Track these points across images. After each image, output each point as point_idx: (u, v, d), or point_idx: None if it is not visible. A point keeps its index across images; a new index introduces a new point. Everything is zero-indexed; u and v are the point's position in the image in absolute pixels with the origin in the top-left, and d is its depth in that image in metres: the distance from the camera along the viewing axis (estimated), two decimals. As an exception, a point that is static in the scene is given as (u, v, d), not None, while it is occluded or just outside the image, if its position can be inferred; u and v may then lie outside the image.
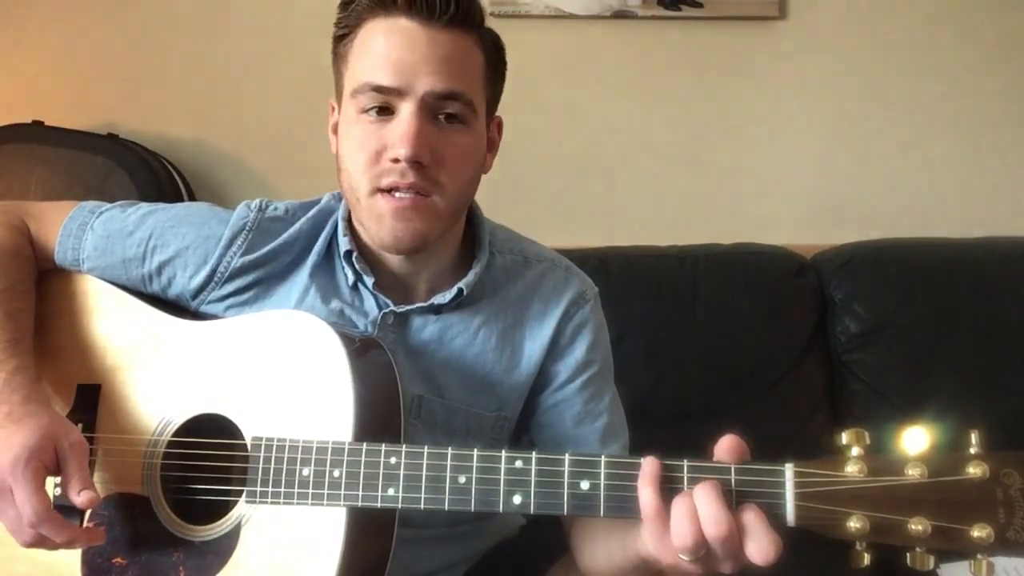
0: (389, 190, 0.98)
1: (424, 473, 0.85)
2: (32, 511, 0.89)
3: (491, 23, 1.05)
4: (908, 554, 0.72)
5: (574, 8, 2.06)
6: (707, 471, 0.77)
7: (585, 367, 1.12)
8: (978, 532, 0.70)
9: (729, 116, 2.11)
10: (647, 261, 1.79)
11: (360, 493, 0.87)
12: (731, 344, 1.73)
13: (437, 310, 1.09)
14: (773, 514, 0.74)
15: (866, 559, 0.73)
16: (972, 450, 0.72)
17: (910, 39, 2.09)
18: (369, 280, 1.06)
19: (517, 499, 0.82)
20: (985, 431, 0.72)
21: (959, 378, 1.72)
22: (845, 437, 0.75)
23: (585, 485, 0.81)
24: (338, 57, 1.05)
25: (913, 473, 0.71)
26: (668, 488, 0.77)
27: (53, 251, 1.12)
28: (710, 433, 0.80)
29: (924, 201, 2.10)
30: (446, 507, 0.85)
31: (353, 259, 1.06)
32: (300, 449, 0.90)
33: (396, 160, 0.97)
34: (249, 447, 0.94)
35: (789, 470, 0.75)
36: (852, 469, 0.73)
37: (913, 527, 0.71)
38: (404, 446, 0.87)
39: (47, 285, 1.12)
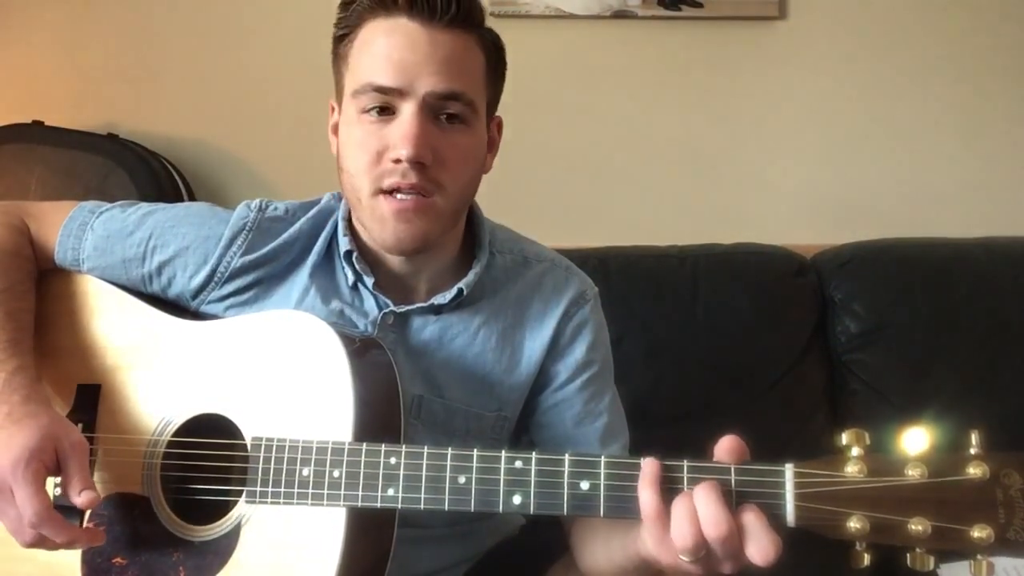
0: (391, 191, 0.98)
1: (424, 473, 0.85)
2: (33, 511, 0.89)
3: (491, 23, 1.05)
4: (908, 554, 0.72)
5: (574, 8, 2.06)
6: (707, 471, 0.77)
7: (585, 367, 1.12)
8: (978, 532, 0.70)
9: (729, 116, 2.11)
10: (647, 261, 1.79)
11: (360, 493, 0.87)
12: (731, 344, 1.73)
13: (437, 310, 1.08)
14: (773, 514, 0.74)
15: (866, 559, 0.73)
16: (972, 450, 0.72)
17: (910, 39, 2.09)
18: (369, 280, 1.06)
19: (517, 499, 0.82)
20: (985, 431, 0.72)
21: (959, 378, 1.72)
22: (845, 437, 0.75)
23: (585, 485, 0.81)
24: (338, 57, 1.05)
25: (913, 473, 0.71)
26: (668, 488, 0.77)
27: (53, 251, 1.12)
28: (710, 433, 0.80)
29: (924, 201, 2.10)
30: (446, 507, 0.85)
31: (353, 259, 1.06)
32: (300, 449, 0.90)
33: (398, 161, 0.97)
34: (249, 447, 0.94)
35: (789, 470, 0.75)
36: (852, 469, 0.73)
37: (913, 527, 0.71)
38: (404, 446, 0.87)
39: (47, 285, 1.12)
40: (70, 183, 1.86)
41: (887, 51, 2.10)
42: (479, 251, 1.11)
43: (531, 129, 1.98)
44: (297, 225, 1.10)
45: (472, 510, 0.84)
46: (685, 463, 0.78)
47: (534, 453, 0.83)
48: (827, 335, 1.80)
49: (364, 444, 0.88)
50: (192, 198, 1.99)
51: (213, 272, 1.08)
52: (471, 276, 1.08)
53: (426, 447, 0.86)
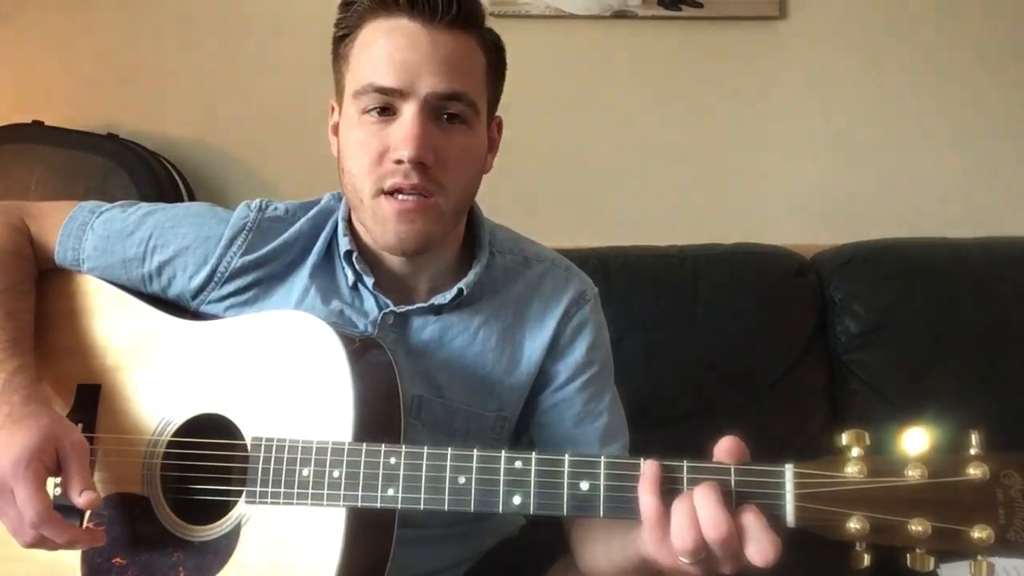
0: (392, 192, 0.98)
1: (424, 473, 0.85)
2: (34, 512, 0.89)
3: (491, 23, 1.05)
4: (908, 555, 0.72)
5: (574, 8, 2.06)
6: (707, 472, 0.77)
7: (585, 367, 1.12)
8: (978, 533, 0.70)
9: (729, 116, 2.11)
10: (647, 261, 1.79)
11: (360, 493, 0.87)
12: (731, 344, 1.73)
13: (437, 310, 1.08)
14: (773, 515, 0.74)
15: (866, 560, 0.73)
16: (972, 451, 0.72)
17: (910, 39, 2.09)
18: (369, 280, 1.06)
19: (517, 500, 0.82)
20: (985, 432, 0.72)
21: (959, 378, 1.72)
22: (845, 438, 0.75)
23: (585, 486, 0.81)
24: (338, 57, 1.05)
25: (913, 474, 0.71)
26: (668, 489, 0.77)
27: (53, 251, 1.12)
28: (710, 433, 0.80)
29: (924, 201, 2.10)
30: (446, 507, 0.85)
31: (353, 259, 1.06)
32: (300, 449, 0.90)
33: (399, 161, 0.97)
34: (249, 447, 0.94)
35: (789, 471, 0.75)
36: (852, 470, 0.73)
37: (913, 528, 0.71)
38: (404, 446, 0.87)
39: (47, 285, 1.12)
40: (70, 183, 1.85)
41: (887, 51, 2.10)
42: (479, 251, 1.11)
43: (531, 129, 1.98)
44: (297, 225, 1.10)
45: (472, 510, 0.84)
46: (685, 463, 0.78)
47: (534, 453, 0.83)
48: (827, 335, 1.80)
49: (364, 444, 0.88)
50: (192, 198, 1.99)
51: (213, 272, 1.08)
52: (471, 276, 1.08)
53: (426, 447, 0.86)
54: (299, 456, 0.90)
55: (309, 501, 0.89)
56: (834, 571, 0.88)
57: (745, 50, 2.10)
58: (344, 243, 1.07)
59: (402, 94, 0.97)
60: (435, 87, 0.97)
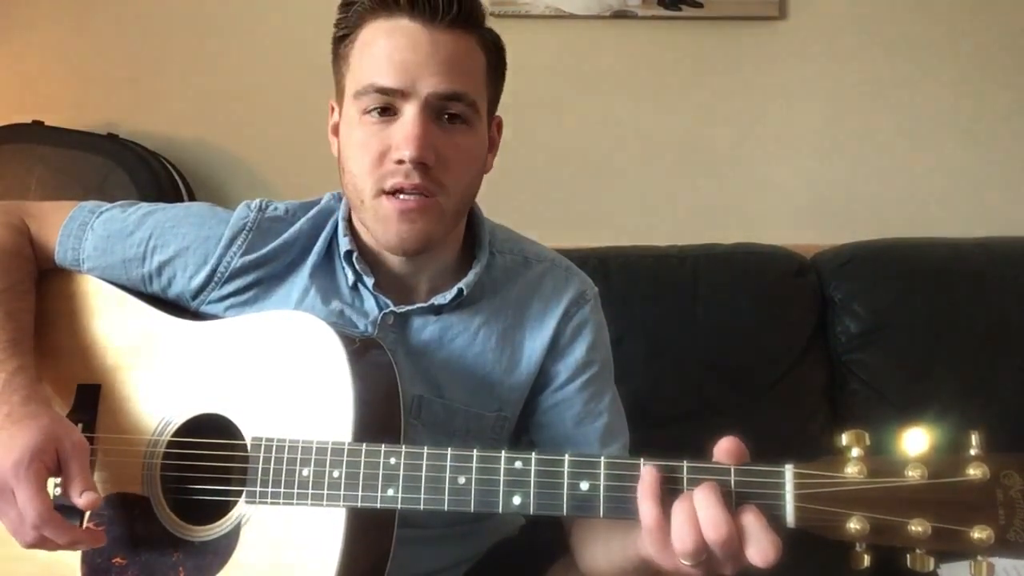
0: (394, 192, 0.98)
1: (424, 473, 0.85)
2: (35, 512, 0.89)
3: (491, 23, 1.05)
4: (908, 555, 0.72)
5: (574, 8, 2.06)
6: (707, 472, 0.77)
7: (585, 367, 1.12)
8: (978, 533, 0.70)
9: (729, 116, 2.11)
10: (647, 261, 1.79)
11: (360, 493, 0.87)
12: (731, 344, 1.73)
13: (437, 310, 1.08)
14: (773, 515, 0.74)
15: (866, 560, 0.73)
16: (972, 451, 0.72)
17: (910, 39, 2.09)
18: (369, 280, 1.06)
19: (517, 500, 0.82)
20: (985, 432, 0.72)
21: (959, 378, 1.72)
22: (845, 438, 0.75)
23: (585, 486, 0.81)
24: (338, 58, 1.05)
25: (913, 474, 0.71)
26: (668, 489, 0.77)
27: (53, 251, 1.12)
28: (710, 433, 0.80)
29: (924, 201, 2.10)
30: (446, 507, 0.85)
31: (353, 259, 1.06)
32: (300, 449, 0.90)
33: (401, 162, 0.97)
34: (249, 447, 0.94)
35: (789, 471, 0.75)
36: (852, 470, 0.73)
37: (913, 528, 0.71)
38: (404, 446, 0.87)
39: (47, 285, 1.12)
40: (70, 183, 1.85)
41: (887, 51, 2.10)
42: (479, 251, 1.11)
43: (531, 129, 1.99)
44: (297, 225, 1.10)
45: (472, 510, 0.84)
46: (685, 464, 0.78)
47: (534, 453, 0.83)
48: (827, 335, 1.79)
49: (364, 444, 0.88)
50: (192, 198, 1.99)
51: (213, 272, 1.08)
52: (471, 276, 1.08)
53: (426, 447, 0.86)
54: (299, 456, 0.90)
55: (309, 501, 0.89)
56: (834, 571, 0.88)
57: (745, 50, 2.09)
58: (344, 243, 1.07)
59: (403, 94, 0.97)
60: (436, 87, 0.97)
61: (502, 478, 0.83)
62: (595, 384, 1.12)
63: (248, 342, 1.00)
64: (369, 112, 0.99)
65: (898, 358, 1.74)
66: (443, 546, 1.13)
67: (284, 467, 0.91)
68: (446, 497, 0.85)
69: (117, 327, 1.08)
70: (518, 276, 1.13)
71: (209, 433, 0.98)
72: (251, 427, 0.95)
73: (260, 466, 0.92)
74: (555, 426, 1.11)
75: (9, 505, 0.91)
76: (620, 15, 2.07)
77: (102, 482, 1.00)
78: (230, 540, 0.93)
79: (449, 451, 0.85)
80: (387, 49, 0.98)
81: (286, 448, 0.91)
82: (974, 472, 0.70)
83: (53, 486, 0.95)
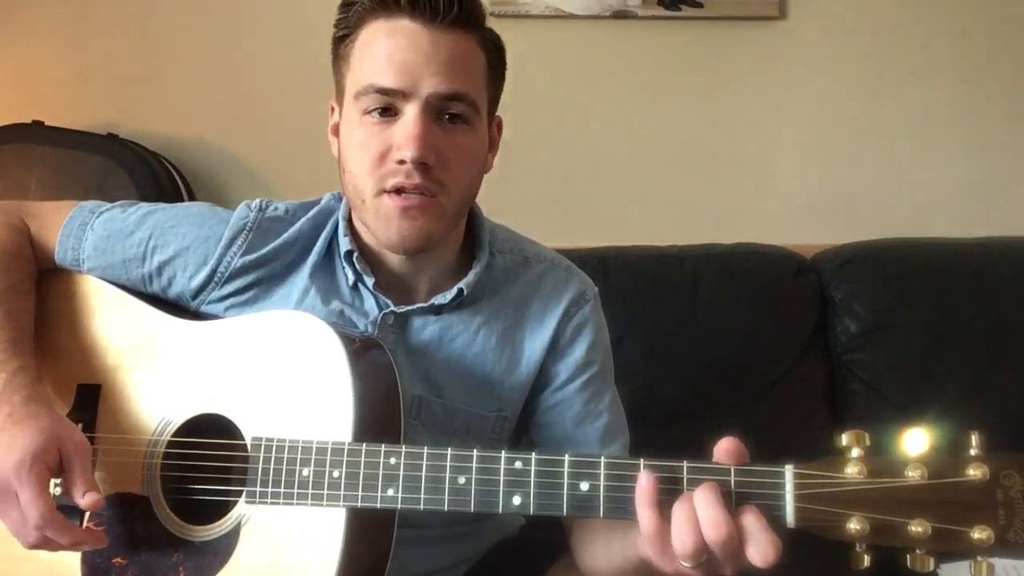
0: (395, 191, 0.98)
1: (424, 473, 0.85)
2: (37, 513, 0.89)
3: (491, 23, 1.05)
4: (908, 555, 0.72)
5: (574, 8, 2.06)
6: (707, 472, 0.77)
7: (585, 367, 1.12)
8: (978, 534, 0.70)
9: (729, 116, 2.11)
10: (647, 261, 1.79)
11: (360, 493, 0.87)
12: (731, 344, 1.73)
13: (437, 310, 1.08)
14: (773, 516, 0.74)
15: (866, 560, 0.73)
16: (972, 452, 0.72)
17: (910, 39, 2.09)
18: (369, 280, 1.06)
19: (517, 500, 0.82)
20: (985, 432, 0.72)
21: (959, 378, 1.72)
22: (845, 438, 0.75)
23: (585, 486, 0.81)
24: (338, 58, 1.05)
25: (913, 475, 0.71)
26: (668, 490, 0.77)
27: (53, 251, 1.12)
28: (710, 433, 0.80)
29: (924, 201, 2.10)
30: (445, 507, 0.85)
31: (354, 259, 1.06)
32: (300, 449, 0.90)
33: (402, 162, 0.97)
34: (249, 447, 0.94)
35: (789, 471, 0.75)
36: (852, 471, 0.73)
37: (913, 529, 0.71)
38: (404, 446, 0.87)
39: (47, 285, 1.12)
40: (70, 183, 1.85)
41: (887, 51, 2.10)
42: (479, 251, 1.11)
43: (531, 129, 1.98)
44: (297, 225, 1.10)
45: (472, 510, 0.84)
46: (685, 464, 0.78)
47: (534, 453, 0.83)
48: (827, 335, 1.79)
49: (364, 444, 0.88)
50: (192, 198, 1.99)
51: (213, 272, 1.08)
52: (471, 276, 1.08)
53: (426, 447, 0.86)
54: (299, 456, 0.90)
55: (309, 501, 0.89)
56: (834, 571, 0.88)
57: (745, 50, 2.09)
58: (344, 243, 1.07)
59: (404, 95, 0.97)
60: (437, 88, 0.97)
61: (502, 478, 0.83)
62: (595, 384, 1.12)
63: (248, 342, 1.00)
64: (370, 112, 0.99)
65: (898, 358, 1.74)
66: (443, 546, 1.13)
67: (284, 467, 0.91)
68: (446, 497, 0.85)
69: (117, 327, 1.08)
70: (518, 276, 1.13)
71: (209, 433, 0.98)
72: (251, 427, 0.95)
73: (260, 466, 0.92)
74: (555, 426, 1.11)
75: (11, 506, 0.91)
76: (620, 15, 2.07)
77: (102, 482, 1.00)
78: (230, 540, 0.93)
79: (449, 451, 0.85)
80: (387, 49, 0.98)
81: (286, 448, 0.91)
82: (974, 472, 0.70)
83: (53, 486, 0.95)
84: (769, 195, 2.11)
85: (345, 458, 0.88)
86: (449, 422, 1.08)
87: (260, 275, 1.09)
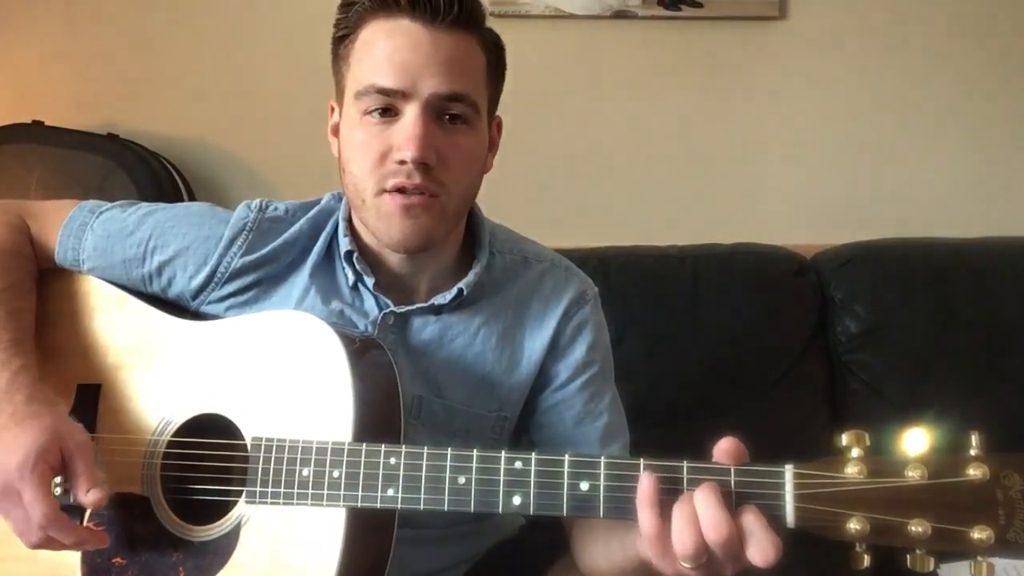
0: (396, 191, 0.98)
1: (424, 473, 0.85)
2: (41, 513, 0.89)
3: (491, 23, 1.05)
4: (908, 555, 0.72)
5: (574, 8, 2.06)
6: (707, 472, 0.77)
7: (585, 367, 1.12)
8: (978, 534, 0.70)
9: (729, 116, 2.11)
10: (647, 261, 1.79)
11: (360, 493, 0.87)
12: (731, 344, 1.73)
13: (437, 311, 1.08)
14: (773, 515, 0.74)
15: (866, 560, 0.73)
16: (972, 452, 0.72)
17: (909, 39, 2.09)
18: (369, 280, 1.06)
19: (517, 500, 0.82)
20: (985, 432, 0.72)
21: (959, 378, 1.72)
22: (845, 438, 0.75)
23: (585, 486, 0.81)
24: (338, 58, 1.04)
25: (913, 475, 0.71)
26: (668, 490, 0.77)
27: (53, 251, 1.12)
28: (710, 433, 0.80)
29: (924, 201, 2.10)
30: (445, 508, 0.85)
31: (354, 259, 1.06)
32: (300, 449, 0.90)
33: (402, 162, 0.97)
34: (249, 447, 0.94)
35: (789, 471, 0.75)
36: (852, 471, 0.73)
37: (913, 529, 0.71)
38: (404, 446, 0.87)
39: (48, 285, 1.12)
40: (70, 183, 1.85)
41: (887, 51, 2.10)
42: (479, 251, 1.11)
43: (531, 129, 1.99)
44: (297, 225, 1.10)
45: (472, 510, 0.84)
46: (685, 464, 0.78)
47: (534, 453, 0.83)
48: (827, 335, 1.79)
49: (364, 444, 0.88)
50: (192, 198, 1.99)
51: (213, 272, 1.08)
52: (471, 276, 1.08)
53: (426, 447, 0.86)
54: (299, 456, 0.90)
55: (309, 501, 0.89)
56: (834, 572, 0.88)
57: (745, 50, 2.09)
58: (344, 243, 1.07)
59: (404, 95, 0.97)
60: (437, 88, 0.97)
61: (502, 478, 0.83)
62: (595, 384, 1.12)
63: (248, 342, 1.00)
64: (370, 113, 0.99)
65: (898, 358, 1.74)
66: (443, 546, 1.13)
67: (284, 467, 0.91)
68: (446, 497, 0.85)
69: (117, 327, 1.08)
70: (518, 276, 1.13)
71: (209, 433, 0.98)
72: (251, 427, 0.95)
73: (260, 466, 0.92)
74: (555, 426, 1.11)
75: (15, 506, 0.91)
76: (620, 15, 2.07)
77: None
78: (230, 540, 0.93)
79: (449, 451, 0.85)
80: (388, 50, 0.98)
81: (286, 448, 0.91)
82: (974, 472, 0.70)
83: (54, 485, 0.95)
84: (769, 195, 2.11)
85: (345, 458, 0.88)
86: (449, 422, 1.08)
87: (260, 275, 1.09)
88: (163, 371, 1.03)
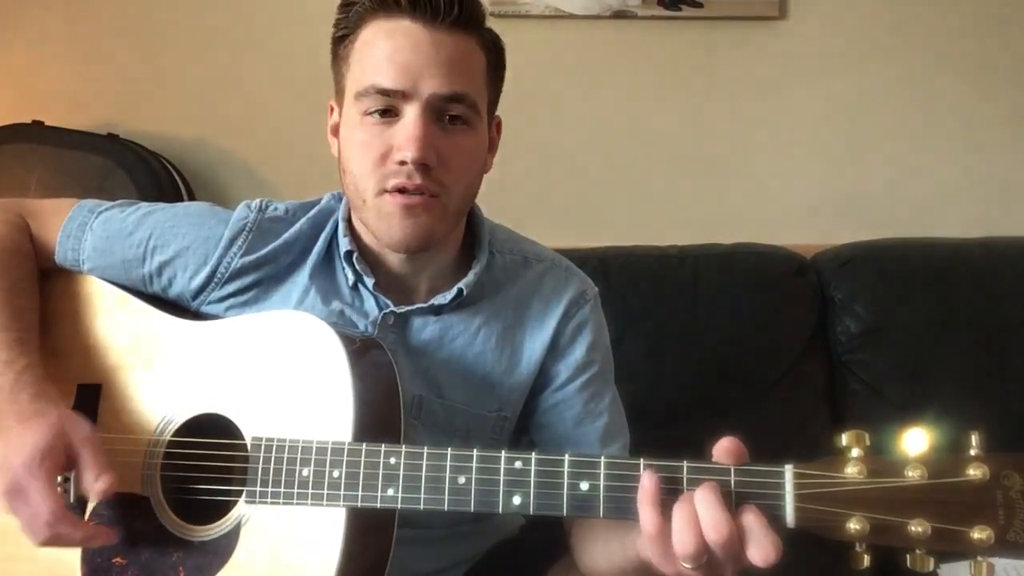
0: (396, 191, 0.98)
1: (424, 473, 0.85)
2: (48, 510, 0.90)
3: (491, 23, 1.05)
4: (908, 555, 0.72)
5: (574, 8, 2.06)
6: (707, 472, 0.77)
7: (585, 367, 1.12)
8: (978, 534, 0.70)
9: (729, 116, 2.11)
10: (647, 261, 1.79)
11: (360, 493, 0.87)
12: (731, 344, 1.73)
13: (437, 311, 1.08)
14: (773, 516, 0.74)
15: (866, 560, 0.73)
16: (972, 452, 0.72)
17: (910, 39, 2.09)
18: (369, 281, 1.06)
19: (516, 500, 0.82)
20: (985, 432, 0.72)
21: (959, 378, 1.72)
22: (845, 438, 0.75)
23: (585, 486, 0.81)
24: (338, 58, 1.04)
25: (913, 475, 0.71)
26: (668, 490, 0.77)
27: (53, 251, 1.12)
28: (710, 433, 0.80)
29: (924, 201, 2.10)
30: (445, 507, 0.85)
31: (353, 259, 1.06)
32: (300, 449, 0.90)
33: (403, 163, 0.97)
34: (249, 447, 0.94)
35: (789, 471, 0.75)
36: (852, 471, 0.73)
37: (913, 529, 0.71)
38: (404, 446, 0.87)
39: (48, 285, 1.12)
40: (70, 183, 1.85)
41: (887, 51, 2.10)
42: (479, 251, 1.11)
43: (531, 129, 1.98)
44: (297, 226, 1.10)
45: (472, 510, 0.84)
46: (685, 464, 0.78)
47: (534, 453, 0.83)
48: (827, 335, 1.79)
49: (364, 444, 0.88)
50: (192, 198, 1.99)
51: (213, 273, 1.08)
52: (471, 276, 1.08)
53: (426, 447, 0.86)
54: (299, 456, 0.90)
55: (309, 501, 0.89)
56: (834, 571, 0.88)
57: (745, 50, 2.10)
58: (344, 243, 1.07)
59: (404, 95, 0.97)
60: (438, 89, 0.97)
61: (502, 478, 0.83)
62: (595, 384, 1.12)
63: (248, 342, 1.00)
64: (370, 113, 0.99)
65: (898, 358, 1.74)
66: (443, 546, 1.13)
67: (284, 467, 0.91)
68: (446, 497, 0.85)
69: (118, 327, 1.08)
70: (518, 276, 1.13)
71: (209, 433, 0.98)
72: (251, 427, 0.95)
73: (260, 466, 0.92)
74: (555, 426, 1.11)
75: (23, 504, 0.91)
76: (620, 15, 2.07)
77: (102, 482, 1.00)
78: (230, 540, 0.93)
79: (449, 451, 0.85)
80: (388, 50, 0.98)
81: (286, 448, 0.91)
82: (974, 472, 0.70)
83: (61, 481, 0.95)
84: (769, 195, 2.11)
85: (345, 458, 0.88)
86: (449, 422, 1.08)
87: (260, 275, 1.09)
88: (163, 371, 1.03)
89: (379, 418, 0.93)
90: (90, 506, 0.98)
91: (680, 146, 2.11)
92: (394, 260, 1.07)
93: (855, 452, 0.74)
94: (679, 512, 0.75)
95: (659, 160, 2.11)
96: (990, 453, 0.71)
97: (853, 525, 0.72)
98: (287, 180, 2.07)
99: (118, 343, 1.07)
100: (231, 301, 1.09)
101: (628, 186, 2.11)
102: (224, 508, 0.95)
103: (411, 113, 0.97)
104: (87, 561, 0.98)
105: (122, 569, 0.97)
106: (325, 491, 0.88)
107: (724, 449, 0.78)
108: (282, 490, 0.91)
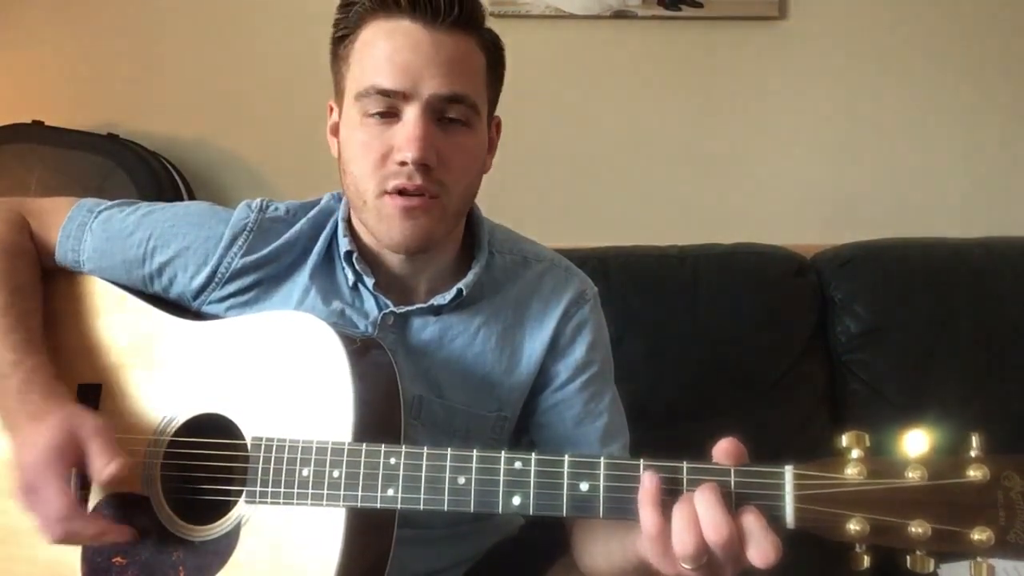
0: (397, 192, 0.98)
1: (423, 474, 0.85)
2: (60, 507, 0.90)
3: (491, 23, 1.05)
4: (908, 556, 0.72)
5: (574, 8, 2.06)
6: (707, 473, 0.77)
7: (585, 367, 1.12)
8: (979, 535, 0.70)
9: (729, 116, 2.11)
10: (647, 261, 1.79)
11: (360, 493, 0.87)
12: (731, 344, 1.73)
13: (437, 311, 1.08)
14: (773, 516, 0.74)
15: (866, 561, 0.73)
16: (972, 452, 0.72)
17: (910, 39, 2.09)
18: (369, 281, 1.06)
19: (516, 500, 0.82)
20: (985, 433, 0.72)
21: (959, 378, 1.72)
22: (845, 439, 0.75)
23: (584, 486, 0.81)
24: (338, 58, 1.04)
25: (913, 476, 0.71)
26: (668, 490, 0.77)
27: (53, 250, 1.12)
28: (710, 433, 0.80)
29: (924, 201, 2.10)
30: (445, 508, 0.85)
31: (353, 260, 1.06)
32: (300, 449, 0.90)
33: (403, 163, 0.97)
34: (249, 447, 0.94)
35: (789, 472, 0.75)
36: (852, 471, 0.73)
37: (913, 530, 0.71)
38: (404, 447, 0.87)
39: (49, 285, 1.12)
40: (70, 183, 1.85)
41: (887, 51, 2.10)
42: (478, 251, 1.11)
43: (531, 129, 1.99)
44: (298, 226, 1.10)
45: (471, 511, 0.84)
46: (684, 464, 0.78)
47: (534, 454, 0.83)
48: (827, 335, 1.79)
49: (364, 444, 0.88)
50: (192, 198, 1.99)
51: (214, 273, 1.08)
52: (470, 276, 1.08)
53: (426, 447, 0.86)
54: (299, 456, 0.90)
55: (309, 501, 0.89)
56: (834, 572, 0.88)
57: (745, 50, 2.10)
58: (344, 244, 1.07)
59: (404, 96, 0.97)
60: (438, 89, 0.97)
61: (502, 478, 0.83)
62: (595, 384, 1.12)
63: (249, 342, 1.00)
64: (371, 115, 0.99)
65: (898, 358, 1.74)
66: (443, 546, 1.13)
67: (284, 467, 0.91)
68: (446, 497, 0.85)
69: (118, 327, 1.08)
70: (517, 276, 1.13)
71: (210, 433, 0.98)
72: (251, 427, 0.95)
73: (260, 466, 0.92)
74: (555, 426, 1.11)
75: (36, 501, 0.92)
76: (620, 15, 2.07)
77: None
78: (230, 540, 0.93)
79: (449, 451, 0.85)
80: (388, 50, 0.98)
81: (286, 448, 0.91)
82: (974, 473, 0.70)
83: (73, 476, 0.95)
84: (769, 195, 2.11)
85: (345, 458, 0.88)
86: (449, 422, 1.08)
87: (261, 276, 1.09)
88: (163, 371, 1.03)
89: (379, 418, 0.93)
90: (92, 501, 0.98)
91: (680, 146, 2.11)
92: (394, 260, 1.07)
93: (855, 453, 0.74)
94: (679, 513, 0.75)
95: (659, 160, 2.11)
96: (990, 454, 0.71)
97: (853, 526, 0.72)
98: (287, 180, 2.07)
99: (118, 343, 1.07)
100: (232, 301, 1.09)
101: (628, 186, 2.11)
102: (224, 508, 0.95)
103: (411, 114, 0.97)
104: (87, 561, 0.98)
105: (122, 569, 0.97)
106: (325, 491, 0.88)
107: (724, 450, 0.78)
108: (282, 490, 0.91)
